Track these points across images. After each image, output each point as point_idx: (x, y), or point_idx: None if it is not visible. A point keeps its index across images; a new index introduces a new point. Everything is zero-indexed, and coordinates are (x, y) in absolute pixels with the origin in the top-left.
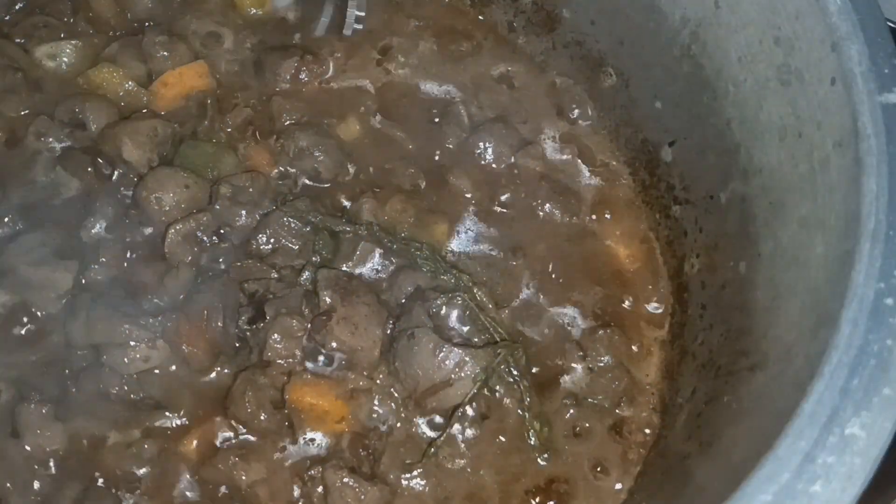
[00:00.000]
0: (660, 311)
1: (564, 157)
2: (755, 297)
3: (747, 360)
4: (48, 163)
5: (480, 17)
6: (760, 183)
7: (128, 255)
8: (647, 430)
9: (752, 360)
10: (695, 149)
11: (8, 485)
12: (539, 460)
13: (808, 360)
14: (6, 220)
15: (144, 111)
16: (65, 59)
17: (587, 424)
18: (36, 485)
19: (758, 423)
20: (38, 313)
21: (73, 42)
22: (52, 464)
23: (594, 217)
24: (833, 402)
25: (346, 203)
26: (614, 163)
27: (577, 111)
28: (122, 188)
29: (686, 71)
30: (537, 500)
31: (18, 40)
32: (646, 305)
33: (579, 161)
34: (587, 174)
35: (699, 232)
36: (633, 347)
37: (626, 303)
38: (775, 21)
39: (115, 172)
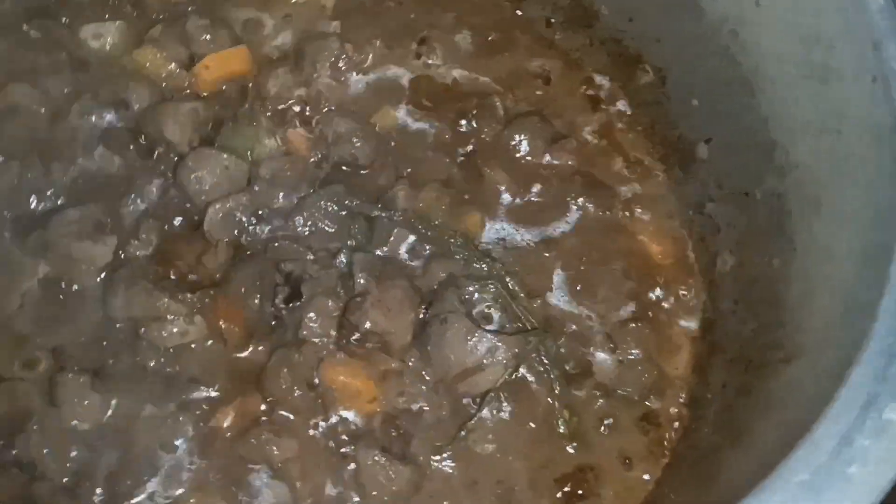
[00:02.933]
0: (691, 306)
1: (598, 152)
2: (788, 291)
3: (780, 352)
4: (91, 140)
5: (518, 13)
6: (796, 179)
7: (167, 232)
8: (676, 423)
9: (785, 353)
10: (730, 146)
11: (45, 452)
12: (568, 449)
13: (842, 350)
14: (49, 194)
15: (186, 93)
16: (109, 40)
17: (616, 415)
18: (72, 454)
19: (791, 414)
20: (78, 286)
21: (117, 23)
22: (88, 433)
23: (627, 212)
24: (870, 387)
25: (382, 189)
26: (648, 159)
27: (612, 107)
28: (162, 167)
29: (724, 69)
30: (565, 487)
31: (64, 20)
32: (677, 301)
33: (613, 157)
34: (621, 170)
35: (732, 228)
36: (664, 342)
37: (658, 298)
38: (815, 20)
39: (157, 151)
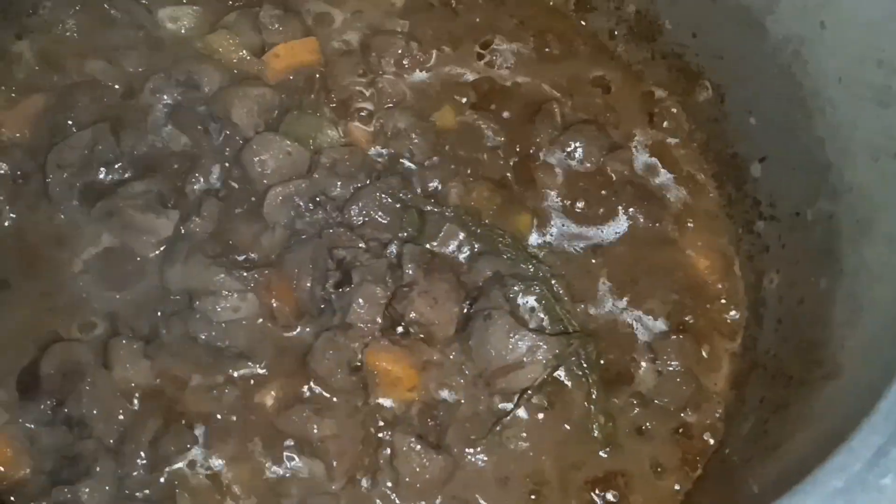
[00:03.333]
0: (734, 323)
1: (652, 164)
2: (834, 312)
3: (821, 370)
4: (160, 118)
5: (582, 23)
6: (849, 201)
7: (227, 211)
8: (710, 437)
9: (827, 370)
10: (785, 166)
11: (94, 411)
12: (600, 453)
13: (884, 366)
14: (117, 166)
15: (255, 79)
16: (185, 23)
17: (651, 425)
18: (120, 416)
19: (828, 427)
20: (138, 256)
21: (194, 7)
22: (136, 397)
23: (676, 226)
24: None
25: (436, 185)
26: (701, 175)
27: (669, 122)
28: (227, 149)
29: (784, 89)
30: (596, 490)
31: (143, 1)
32: (720, 317)
33: (666, 170)
34: (673, 184)
35: (781, 248)
36: (704, 356)
37: (701, 313)
38: (879, 43)
39: (223, 133)
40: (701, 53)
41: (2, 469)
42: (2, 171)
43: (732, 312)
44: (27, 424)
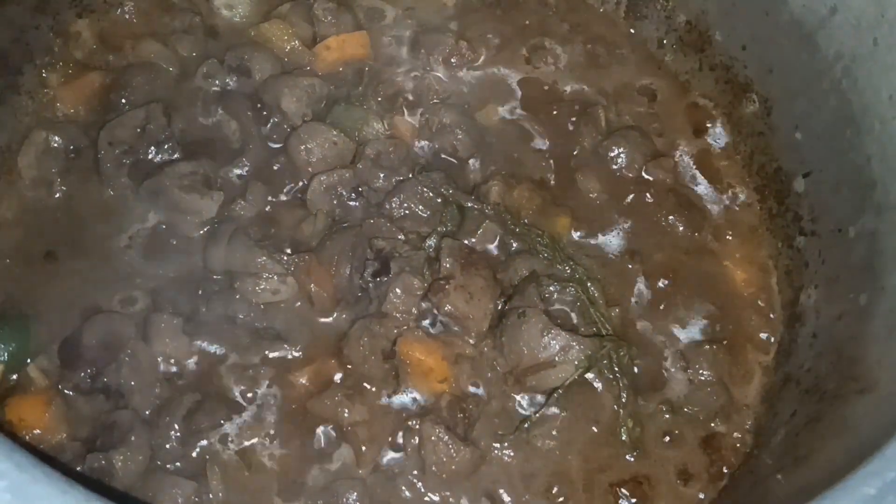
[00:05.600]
0: (768, 337)
1: (695, 174)
2: (872, 328)
3: (856, 384)
4: (211, 102)
5: (632, 31)
6: (893, 219)
7: (271, 196)
8: (739, 449)
9: (862, 385)
10: (829, 182)
11: (132, 383)
12: (627, 457)
13: None
14: (166, 146)
15: (305, 69)
16: (240, 11)
17: (679, 432)
18: (157, 388)
19: (862, 437)
20: (182, 235)
21: None
22: (174, 372)
23: (715, 237)
24: None
25: (477, 182)
26: (743, 188)
27: (714, 133)
28: (274, 135)
29: (832, 105)
30: (620, 493)
31: None
32: (754, 330)
33: (708, 181)
34: (715, 195)
35: (821, 263)
36: (736, 368)
37: (735, 324)
38: None
39: (271, 120)
40: (750, 66)
41: (39, 433)
42: (56, 145)
43: (767, 326)
44: (67, 392)
